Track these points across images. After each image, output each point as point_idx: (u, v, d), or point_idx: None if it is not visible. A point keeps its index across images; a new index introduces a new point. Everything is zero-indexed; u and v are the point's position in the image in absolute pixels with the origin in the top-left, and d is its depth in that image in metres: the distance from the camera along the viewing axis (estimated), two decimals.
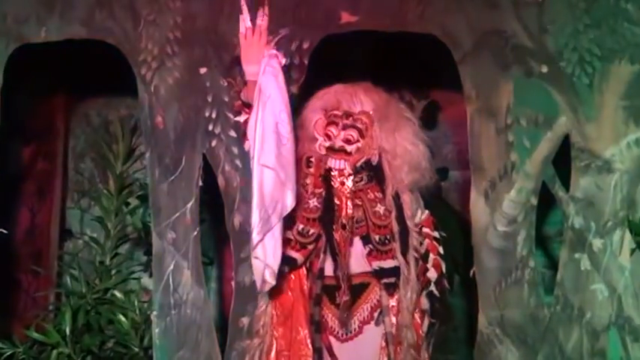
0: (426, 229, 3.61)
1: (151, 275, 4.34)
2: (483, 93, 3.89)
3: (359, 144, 3.54)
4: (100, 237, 4.88)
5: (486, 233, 3.88)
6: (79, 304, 4.38)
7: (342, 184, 3.52)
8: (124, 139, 4.98)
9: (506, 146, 3.89)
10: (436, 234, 3.63)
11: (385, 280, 3.50)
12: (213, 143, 3.96)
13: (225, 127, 3.95)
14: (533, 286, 3.85)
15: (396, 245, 3.50)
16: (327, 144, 3.55)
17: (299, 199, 3.40)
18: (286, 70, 3.52)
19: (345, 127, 3.55)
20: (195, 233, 3.92)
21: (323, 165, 3.55)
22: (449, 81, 4.03)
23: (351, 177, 3.52)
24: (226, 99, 3.94)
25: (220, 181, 3.95)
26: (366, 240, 3.51)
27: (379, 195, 3.52)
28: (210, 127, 3.96)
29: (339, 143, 3.54)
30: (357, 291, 3.52)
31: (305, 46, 3.93)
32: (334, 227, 3.47)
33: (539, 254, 4.18)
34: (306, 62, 3.93)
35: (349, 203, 3.50)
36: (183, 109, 3.97)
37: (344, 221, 3.47)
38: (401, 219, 3.50)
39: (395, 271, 3.51)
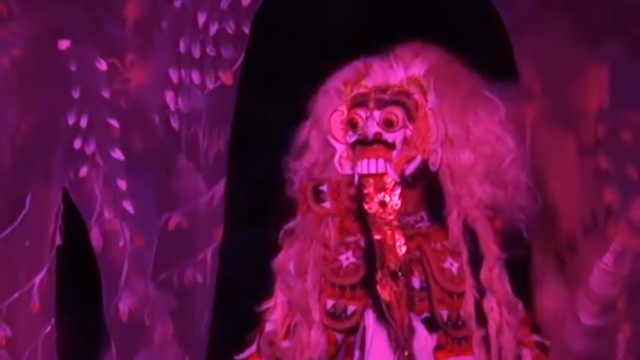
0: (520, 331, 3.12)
1: None
2: (555, 83, 3.40)
3: (407, 130, 2.94)
4: None
5: (562, 329, 3.35)
6: None
7: (383, 205, 2.96)
8: None
9: (597, 177, 3.40)
10: (537, 338, 3.10)
11: None
12: (83, 171, 3.53)
13: (103, 143, 3.52)
14: None
15: (476, 329, 2.98)
16: (354, 137, 2.96)
17: (320, 260, 3.06)
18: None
19: (380, 105, 2.96)
20: (49, 329, 3.51)
21: (345, 189, 3.03)
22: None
23: (398, 191, 2.95)
24: (107, 95, 3.51)
25: (95, 237, 3.53)
26: (431, 323, 3.01)
27: (448, 243, 3.11)
28: (78, 144, 3.51)
29: (373, 129, 2.95)
30: None
31: (245, 2, 3.53)
32: (377, 285, 3.02)
33: None
34: (246, 31, 3.54)
35: (398, 237, 3.02)
36: (29, 113, 3.59)
37: (393, 267, 3.00)
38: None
39: None
